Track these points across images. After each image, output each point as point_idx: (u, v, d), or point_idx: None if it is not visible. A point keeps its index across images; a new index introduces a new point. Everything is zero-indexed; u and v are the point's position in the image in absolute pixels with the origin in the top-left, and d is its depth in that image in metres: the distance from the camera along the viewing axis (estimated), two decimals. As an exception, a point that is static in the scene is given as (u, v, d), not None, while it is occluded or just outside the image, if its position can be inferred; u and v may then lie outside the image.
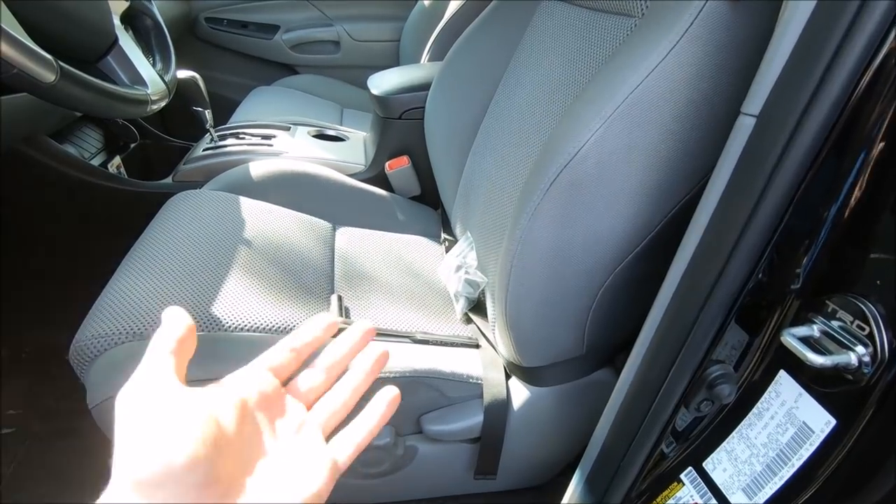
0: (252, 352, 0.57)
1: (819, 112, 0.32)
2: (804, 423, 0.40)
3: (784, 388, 0.41)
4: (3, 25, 0.45)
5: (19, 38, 0.46)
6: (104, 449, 0.56)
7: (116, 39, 0.65)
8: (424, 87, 1.00)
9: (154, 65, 0.76)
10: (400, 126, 1.05)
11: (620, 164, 0.47)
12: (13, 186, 0.96)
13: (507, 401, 0.64)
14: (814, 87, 0.32)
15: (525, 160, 0.69)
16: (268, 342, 0.60)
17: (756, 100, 0.35)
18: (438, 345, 0.71)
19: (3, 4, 0.47)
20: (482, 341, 0.73)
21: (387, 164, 1.06)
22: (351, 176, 1.03)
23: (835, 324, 0.37)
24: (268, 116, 1.33)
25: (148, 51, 0.78)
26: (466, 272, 0.79)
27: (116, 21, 0.67)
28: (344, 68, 1.78)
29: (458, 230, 0.89)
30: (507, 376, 0.67)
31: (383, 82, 1.06)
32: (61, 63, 0.49)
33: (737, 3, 0.43)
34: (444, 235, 0.97)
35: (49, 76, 0.48)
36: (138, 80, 0.66)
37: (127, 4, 0.73)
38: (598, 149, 0.47)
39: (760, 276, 0.40)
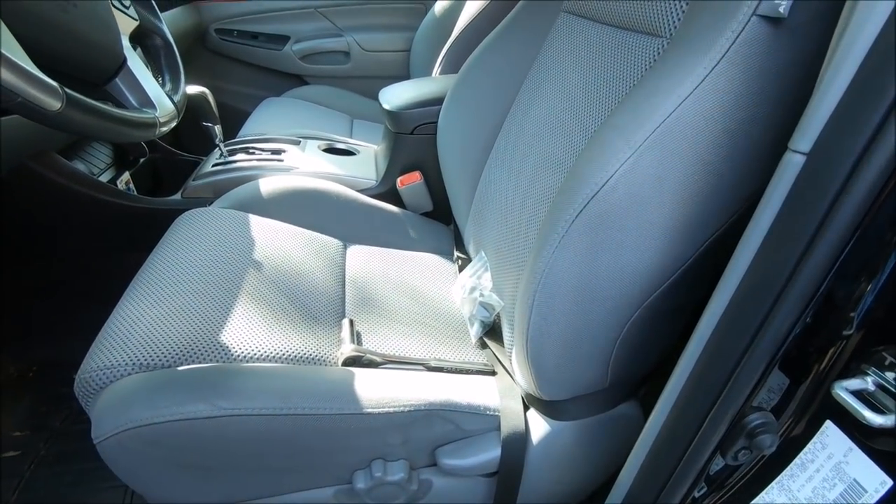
0: (262, 384, 0.56)
1: (882, 152, 0.29)
2: (855, 480, 0.37)
3: (831, 441, 0.38)
4: (5, 52, 0.43)
5: (24, 65, 0.44)
6: (109, 473, 0.55)
7: (125, 61, 0.64)
8: (437, 101, 0.98)
9: (163, 85, 0.74)
10: (412, 141, 1.03)
11: (651, 195, 0.45)
12: (22, 203, 0.95)
13: (525, 434, 0.61)
14: (877, 123, 0.29)
15: (543, 181, 0.67)
16: (279, 372, 0.59)
17: (807, 136, 0.33)
18: (453, 372, 0.68)
19: (7, 30, 0.46)
20: (498, 368, 0.71)
21: (398, 180, 1.04)
22: (362, 192, 1.01)
23: (890, 375, 0.34)
24: (278, 128, 1.31)
25: (157, 70, 0.76)
26: (481, 294, 0.76)
27: (125, 41, 0.66)
28: (354, 79, 1.77)
29: (471, 249, 0.87)
30: (526, 407, 0.65)
31: (395, 97, 1.04)
32: (67, 90, 0.47)
33: (778, 24, 0.40)
34: (457, 253, 0.94)
35: (55, 104, 0.46)
36: (147, 102, 0.65)
37: (136, 24, 0.72)
38: (628, 179, 0.44)
39: (808, 320, 0.37)
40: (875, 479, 0.36)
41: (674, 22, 0.52)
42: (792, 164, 0.34)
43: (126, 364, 0.56)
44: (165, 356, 0.57)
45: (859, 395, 0.34)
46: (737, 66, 0.41)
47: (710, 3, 0.45)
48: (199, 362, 0.58)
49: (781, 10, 0.39)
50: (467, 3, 1.34)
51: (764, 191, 0.36)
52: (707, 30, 0.43)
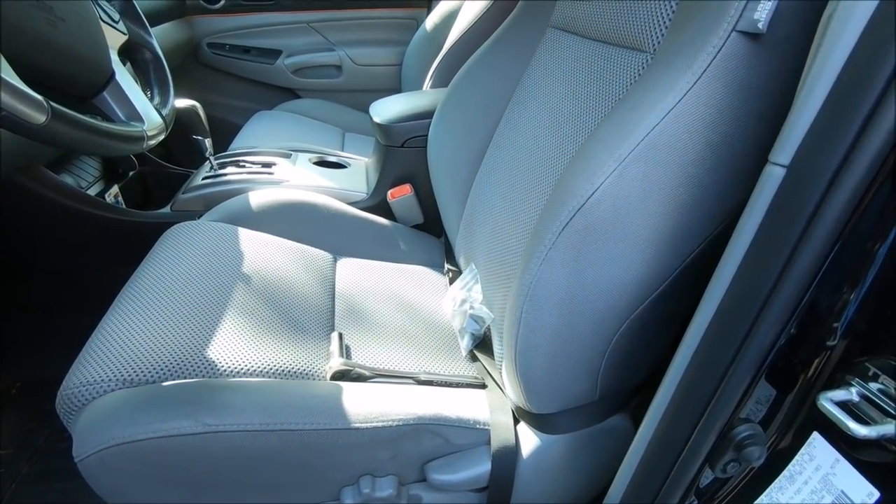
0: (249, 399, 0.55)
1: (859, 165, 0.30)
2: (843, 491, 0.37)
3: (819, 452, 0.38)
4: (-9, 66, 0.43)
5: (8, 79, 0.44)
6: (92, 492, 0.53)
7: (113, 74, 0.64)
8: (427, 114, 0.99)
9: (152, 98, 0.74)
10: (402, 154, 1.03)
11: (636, 207, 0.45)
12: (9, 217, 0.94)
13: (515, 448, 0.61)
14: (853, 136, 0.30)
15: (532, 193, 0.67)
16: (266, 387, 0.58)
17: (786, 149, 0.33)
18: (443, 386, 0.68)
19: (-7, 44, 0.46)
20: (488, 381, 0.70)
21: (389, 193, 1.04)
22: (352, 204, 1.01)
23: (873, 386, 0.34)
24: (269, 141, 1.31)
25: (146, 84, 0.76)
26: (471, 307, 0.76)
27: (114, 55, 0.66)
28: (346, 92, 1.78)
29: (461, 261, 0.87)
30: (516, 420, 0.64)
31: (386, 110, 1.05)
32: (52, 103, 0.47)
33: (757, 40, 0.41)
34: (447, 266, 0.94)
35: (39, 117, 0.46)
36: (134, 115, 0.65)
37: (126, 38, 0.72)
38: (614, 192, 0.45)
39: (793, 330, 0.37)
40: (862, 491, 0.35)
41: (657, 37, 0.53)
42: (773, 177, 0.34)
43: (110, 380, 0.55)
44: (150, 371, 0.56)
45: (844, 406, 0.34)
46: (718, 80, 0.42)
47: (692, 20, 0.46)
48: (185, 377, 0.57)
49: (760, 25, 0.39)
50: (458, 18, 1.36)
51: (747, 202, 0.37)
52: (689, 45, 0.44)
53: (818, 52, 0.32)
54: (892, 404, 0.33)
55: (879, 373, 0.33)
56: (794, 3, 0.39)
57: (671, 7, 0.52)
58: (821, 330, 0.36)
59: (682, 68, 0.43)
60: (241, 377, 0.59)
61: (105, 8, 0.70)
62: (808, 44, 0.35)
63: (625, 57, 0.57)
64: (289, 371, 0.62)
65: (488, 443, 0.61)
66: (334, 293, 0.80)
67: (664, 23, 0.52)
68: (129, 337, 0.59)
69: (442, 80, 1.26)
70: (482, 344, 0.75)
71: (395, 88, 1.77)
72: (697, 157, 0.44)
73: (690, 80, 0.42)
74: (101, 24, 0.65)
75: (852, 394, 0.35)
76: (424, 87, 1.32)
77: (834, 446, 0.37)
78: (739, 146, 0.44)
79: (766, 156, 0.36)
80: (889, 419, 0.32)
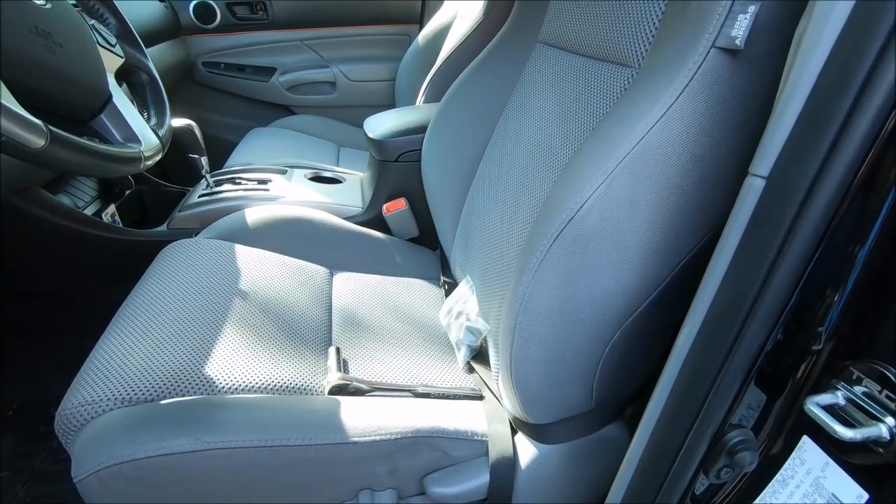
0: (247, 416, 0.55)
1: (834, 175, 0.31)
2: (833, 494, 0.37)
3: (809, 456, 0.39)
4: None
5: (8, 104, 0.45)
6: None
7: (110, 97, 0.65)
8: (421, 129, 1.00)
9: (149, 119, 0.75)
10: (397, 168, 1.05)
11: (625, 219, 0.46)
12: (5, 239, 0.94)
13: (513, 459, 0.61)
14: (827, 149, 0.31)
15: (524, 206, 0.68)
16: (264, 404, 0.58)
17: (765, 161, 0.34)
18: (441, 398, 0.68)
19: (-7, 70, 0.47)
20: (486, 392, 0.71)
21: (384, 207, 1.05)
22: (348, 219, 1.02)
23: (858, 390, 0.35)
24: (264, 157, 1.33)
25: (143, 105, 0.78)
26: (468, 319, 0.77)
27: (111, 78, 0.67)
28: (340, 108, 1.80)
29: (457, 273, 0.88)
30: (513, 431, 0.64)
31: (380, 125, 1.06)
32: (51, 127, 0.48)
33: (736, 56, 0.42)
34: (443, 278, 0.95)
35: (38, 142, 0.47)
36: (131, 137, 0.66)
37: (122, 60, 0.73)
38: (602, 204, 0.46)
39: (779, 336, 0.38)
40: (852, 493, 0.36)
41: (642, 53, 0.54)
42: (753, 188, 0.35)
43: (108, 399, 0.55)
44: (149, 390, 0.56)
45: (831, 409, 0.35)
46: (700, 94, 0.43)
47: (674, 36, 0.47)
48: (183, 395, 0.57)
49: (738, 42, 0.41)
50: (449, 34, 1.38)
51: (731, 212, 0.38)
52: (671, 61, 0.45)
53: (792, 68, 0.34)
54: (877, 407, 0.33)
55: (863, 376, 0.34)
56: (769, 20, 0.41)
57: (654, 24, 0.53)
58: (806, 335, 0.37)
59: (665, 83, 0.45)
60: (239, 394, 0.60)
61: (102, 32, 0.71)
62: (784, 59, 0.36)
63: (611, 72, 0.59)
64: (287, 386, 0.63)
65: (486, 454, 0.61)
66: (331, 308, 0.81)
67: (648, 39, 0.54)
68: (127, 356, 0.59)
69: (435, 95, 1.27)
70: (479, 355, 0.76)
71: (389, 104, 1.79)
72: (682, 169, 0.45)
73: (673, 94, 0.44)
74: (99, 48, 0.66)
75: (838, 397, 0.35)
76: (417, 102, 1.34)
77: (823, 449, 0.38)
78: (722, 158, 0.45)
79: (747, 167, 0.37)
80: (874, 421, 0.33)
